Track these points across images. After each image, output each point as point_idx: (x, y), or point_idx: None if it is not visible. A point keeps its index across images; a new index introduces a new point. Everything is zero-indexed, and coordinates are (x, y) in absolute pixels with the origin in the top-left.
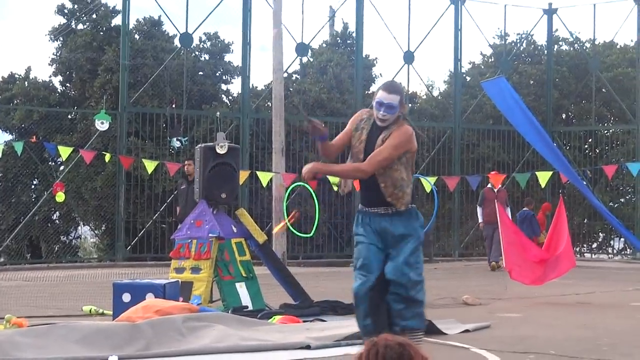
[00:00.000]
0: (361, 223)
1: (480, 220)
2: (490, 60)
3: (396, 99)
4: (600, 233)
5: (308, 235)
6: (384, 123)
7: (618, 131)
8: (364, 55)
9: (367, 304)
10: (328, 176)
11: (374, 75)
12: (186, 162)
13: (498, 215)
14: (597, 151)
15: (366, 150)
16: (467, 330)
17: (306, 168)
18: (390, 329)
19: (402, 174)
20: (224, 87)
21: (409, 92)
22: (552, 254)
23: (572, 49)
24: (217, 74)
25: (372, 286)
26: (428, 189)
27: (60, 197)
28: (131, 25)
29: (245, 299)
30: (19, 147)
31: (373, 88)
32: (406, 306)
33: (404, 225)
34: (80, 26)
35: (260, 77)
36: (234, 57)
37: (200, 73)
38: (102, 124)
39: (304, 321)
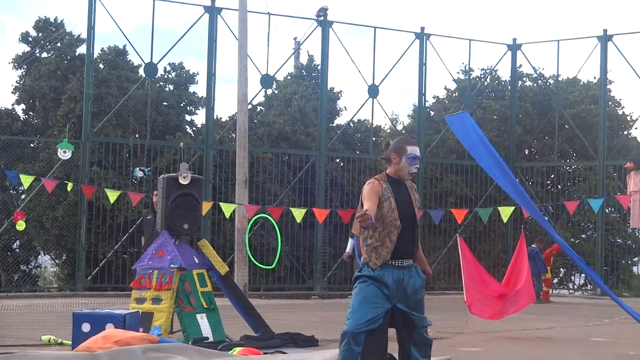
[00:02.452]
0: (375, 273)
1: (347, 250)
2: (454, 95)
3: (418, 149)
4: (561, 268)
5: (269, 267)
6: (413, 176)
7: (580, 167)
8: (328, 88)
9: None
10: (292, 209)
11: (338, 108)
12: (155, 193)
13: (460, 250)
14: (559, 187)
15: (401, 216)
16: None
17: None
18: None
19: None
20: (188, 117)
21: (373, 126)
22: (511, 289)
23: (535, 85)
24: (182, 105)
25: (377, 328)
26: None
27: (20, 225)
28: (96, 55)
29: (206, 330)
30: None
31: (337, 121)
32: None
33: (419, 276)
34: (44, 54)
35: (225, 108)
36: (199, 88)
37: (165, 103)
38: (64, 153)
39: (265, 353)
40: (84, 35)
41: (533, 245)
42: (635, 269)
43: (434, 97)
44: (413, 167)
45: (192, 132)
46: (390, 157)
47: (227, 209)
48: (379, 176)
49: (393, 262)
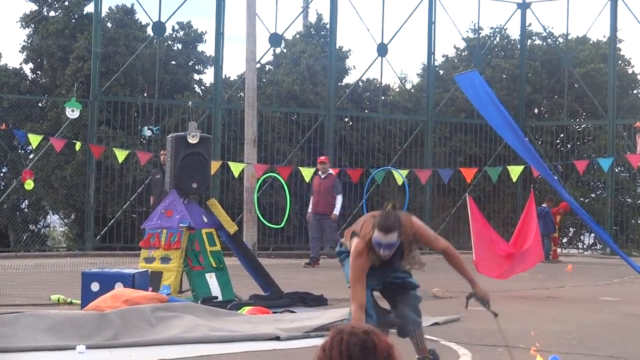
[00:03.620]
0: None
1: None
2: (463, 53)
3: (394, 237)
4: (570, 228)
5: (278, 227)
6: (386, 258)
7: (590, 127)
8: (337, 47)
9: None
10: (301, 169)
11: (347, 67)
12: (162, 152)
13: (469, 209)
14: (569, 146)
15: (376, 282)
16: (436, 323)
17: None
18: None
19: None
20: (196, 76)
21: (382, 85)
22: (519, 249)
23: (545, 43)
24: (190, 64)
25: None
26: (400, 182)
27: (29, 184)
28: (104, 13)
29: (215, 290)
30: None
31: (346, 80)
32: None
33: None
34: (52, 13)
35: (233, 67)
36: (207, 47)
37: (173, 62)
38: (72, 112)
39: (274, 312)
40: None
41: (544, 205)
42: None
43: (443, 56)
44: (380, 251)
45: (200, 91)
46: None
47: (235, 168)
48: (367, 238)
49: None
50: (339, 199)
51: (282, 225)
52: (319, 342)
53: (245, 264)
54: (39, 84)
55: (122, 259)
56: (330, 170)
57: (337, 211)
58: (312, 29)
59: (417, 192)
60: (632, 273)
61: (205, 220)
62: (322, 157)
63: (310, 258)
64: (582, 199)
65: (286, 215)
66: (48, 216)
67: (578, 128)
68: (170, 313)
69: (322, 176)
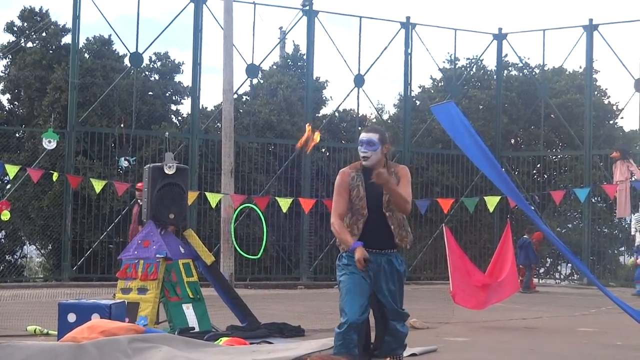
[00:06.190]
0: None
1: None
2: (440, 84)
3: (375, 136)
4: (547, 258)
5: (255, 257)
6: (366, 161)
7: (566, 157)
8: (314, 78)
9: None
10: (278, 199)
11: (324, 98)
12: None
13: (445, 240)
14: (546, 176)
15: (369, 204)
16: (414, 354)
17: (381, 175)
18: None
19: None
20: (173, 107)
21: (359, 116)
22: (495, 279)
23: (521, 74)
24: (167, 94)
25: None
26: None
27: (5, 215)
28: (81, 44)
29: (192, 321)
30: None
31: (323, 110)
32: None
33: (398, 263)
34: (29, 44)
35: (210, 98)
36: (184, 78)
37: (150, 93)
38: (49, 143)
39: (251, 343)
40: (69, 25)
41: (525, 236)
42: (621, 258)
43: (419, 87)
44: (361, 152)
45: (177, 122)
46: None
47: (213, 198)
48: (354, 164)
49: (373, 250)
50: None
51: (259, 255)
52: None
53: (222, 294)
54: (16, 115)
55: (99, 289)
56: None
57: None
58: (289, 60)
59: None
60: (609, 303)
61: (182, 250)
62: (139, 184)
63: None
64: (558, 229)
65: (263, 246)
66: (25, 247)
67: (554, 158)
68: (147, 344)
69: (140, 202)
